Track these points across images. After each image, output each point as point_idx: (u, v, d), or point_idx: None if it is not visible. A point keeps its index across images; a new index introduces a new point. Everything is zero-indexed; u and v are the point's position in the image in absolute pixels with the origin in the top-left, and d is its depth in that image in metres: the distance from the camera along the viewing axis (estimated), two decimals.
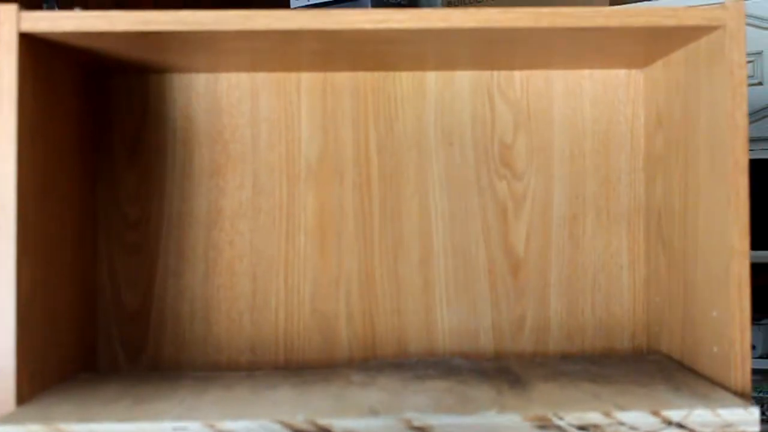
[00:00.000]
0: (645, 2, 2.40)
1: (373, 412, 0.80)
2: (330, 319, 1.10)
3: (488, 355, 1.11)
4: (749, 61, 1.97)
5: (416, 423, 0.79)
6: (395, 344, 1.10)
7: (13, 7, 0.85)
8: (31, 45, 0.88)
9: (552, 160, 1.12)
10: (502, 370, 0.99)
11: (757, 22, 2.08)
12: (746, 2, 2.17)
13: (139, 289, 1.10)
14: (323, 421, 0.78)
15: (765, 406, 1.54)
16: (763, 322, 1.88)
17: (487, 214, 1.11)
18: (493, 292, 1.11)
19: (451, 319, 1.11)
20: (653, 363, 1.01)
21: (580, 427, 0.79)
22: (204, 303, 1.10)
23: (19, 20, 0.85)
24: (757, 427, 0.81)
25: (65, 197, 0.99)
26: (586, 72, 1.13)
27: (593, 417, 0.79)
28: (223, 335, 1.10)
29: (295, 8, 3.31)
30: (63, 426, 0.78)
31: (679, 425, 0.80)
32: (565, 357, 1.09)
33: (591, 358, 1.07)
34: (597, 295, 1.11)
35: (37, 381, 0.90)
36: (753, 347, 1.36)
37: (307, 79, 1.11)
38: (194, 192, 1.10)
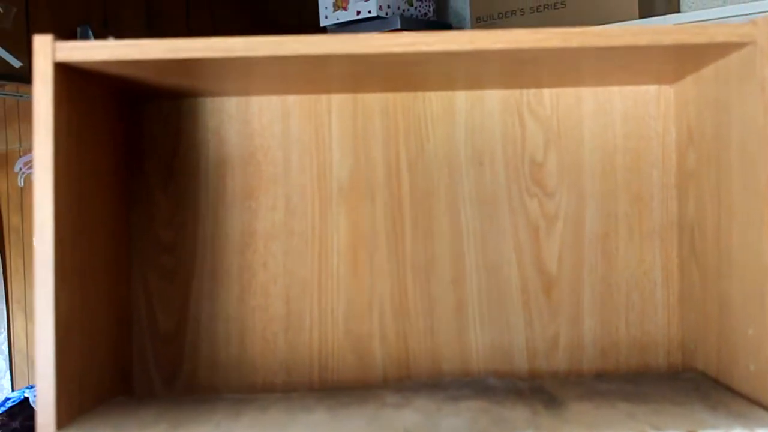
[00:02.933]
0: (673, 14, 2.40)
1: None
2: (364, 340, 1.11)
3: (522, 375, 1.11)
4: None
5: None
6: (429, 364, 1.10)
7: (48, 38, 0.86)
8: (65, 74, 0.89)
9: (583, 178, 1.12)
10: (537, 389, 0.99)
11: None
12: None
13: (173, 313, 1.11)
14: None
15: None
16: None
17: (518, 232, 1.11)
18: (526, 311, 1.11)
19: (485, 338, 1.11)
20: (689, 381, 1.01)
21: None
22: (239, 325, 1.11)
23: (54, 50, 0.87)
24: None
25: (101, 223, 1.01)
26: (616, 89, 1.13)
27: None
28: (257, 357, 1.11)
29: (324, 26, 3.33)
30: None
31: None
32: (600, 376, 1.08)
33: (626, 376, 1.06)
34: (631, 312, 1.11)
35: (76, 405, 0.91)
36: None
37: (338, 100, 1.12)
38: (227, 214, 1.11)
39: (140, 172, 1.11)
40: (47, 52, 0.87)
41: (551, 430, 0.80)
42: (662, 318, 1.11)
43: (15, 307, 3.94)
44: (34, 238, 0.87)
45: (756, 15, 0.89)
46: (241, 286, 1.11)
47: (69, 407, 0.89)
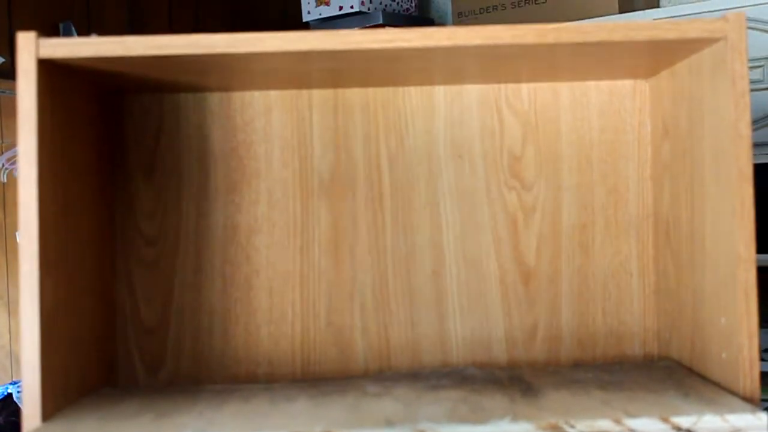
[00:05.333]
0: (652, 10, 2.42)
1: (389, 423, 0.82)
2: (345, 332, 1.12)
3: (501, 364, 1.13)
4: (757, 66, 1.98)
5: None
6: (410, 355, 1.12)
7: (32, 35, 0.87)
8: (49, 70, 0.90)
9: (560, 171, 1.14)
10: (515, 378, 1.01)
11: (764, 27, 2.09)
12: (753, 7, 2.18)
13: (157, 305, 1.12)
14: None
15: None
16: None
17: (497, 225, 1.13)
18: (505, 302, 1.13)
19: (464, 329, 1.13)
20: (663, 369, 1.03)
21: None
22: (221, 317, 1.12)
23: (38, 47, 0.88)
24: None
25: (84, 216, 1.02)
26: (593, 83, 1.15)
27: (604, 424, 0.81)
28: (240, 349, 1.12)
29: (307, 22, 3.33)
30: None
31: (689, 431, 0.81)
32: (577, 365, 1.10)
33: (602, 366, 1.08)
34: (607, 303, 1.13)
35: (61, 397, 0.92)
36: None
37: (319, 95, 1.14)
38: (210, 208, 1.12)
39: (123, 166, 1.13)
40: (31, 48, 0.88)
41: (527, 418, 0.82)
42: (638, 308, 1.13)
43: (11, 308, 3.93)
44: (18, 232, 0.88)
45: (733, 10, 0.92)
46: (223, 279, 1.12)
47: (54, 398, 0.90)
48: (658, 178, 1.12)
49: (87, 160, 1.03)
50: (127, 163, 1.13)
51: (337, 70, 1.03)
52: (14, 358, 3.88)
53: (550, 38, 0.90)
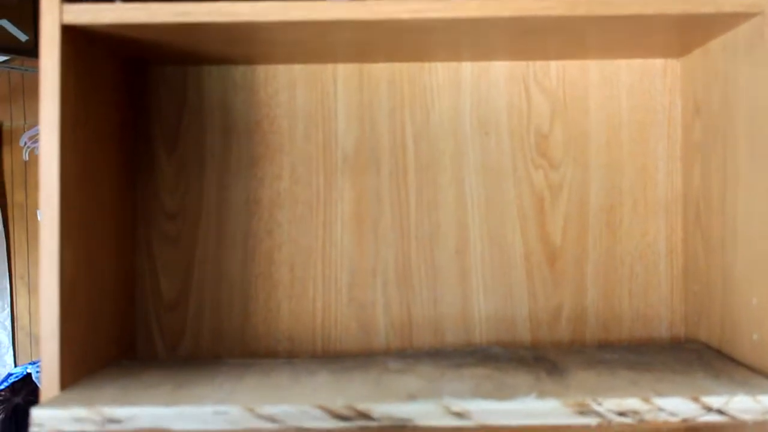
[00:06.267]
0: None
1: (412, 398, 0.81)
2: (367, 309, 1.11)
3: (525, 345, 1.11)
4: None
5: (454, 408, 0.79)
6: (432, 333, 1.11)
7: (55, 0, 0.86)
8: (73, 36, 0.89)
9: (589, 150, 1.12)
10: (540, 358, 0.99)
11: None
12: None
13: (177, 279, 1.11)
14: (362, 406, 0.79)
15: None
16: None
17: (523, 203, 1.11)
18: (530, 282, 1.11)
19: (488, 308, 1.11)
20: (692, 351, 1.01)
21: (620, 413, 0.79)
22: (242, 293, 1.11)
23: (61, 12, 0.87)
24: None
25: (106, 187, 1.01)
26: (623, 62, 1.13)
27: (633, 403, 0.79)
28: (261, 325, 1.11)
29: None
30: (106, 410, 0.80)
31: (720, 411, 0.79)
32: (603, 346, 1.09)
33: (629, 347, 1.07)
34: (634, 284, 1.11)
35: (80, 367, 0.91)
36: None
37: (344, 70, 1.12)
38: (232, 182, 1.11)
39: (146, 138, 1.11)
40: (54, 13, 0.87)
41: (555, 396, 0.81)
42: (666, 290, 1.11)
43: (18, 284, 3.95)
44: (39, 210, 0.87)
45: None
46: (245, 254, 1.11)
47: (73, 369, 0.89)
48: (688, 158, 1.10)
49: (109, 131, 1.02)
50: (150, 136, 1.12)
51: (363, 43, 1.02)
52: (34, 339, 3.90)
53: (581, 10, 0.88)
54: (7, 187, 3.90)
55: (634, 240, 1.11)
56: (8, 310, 3.90)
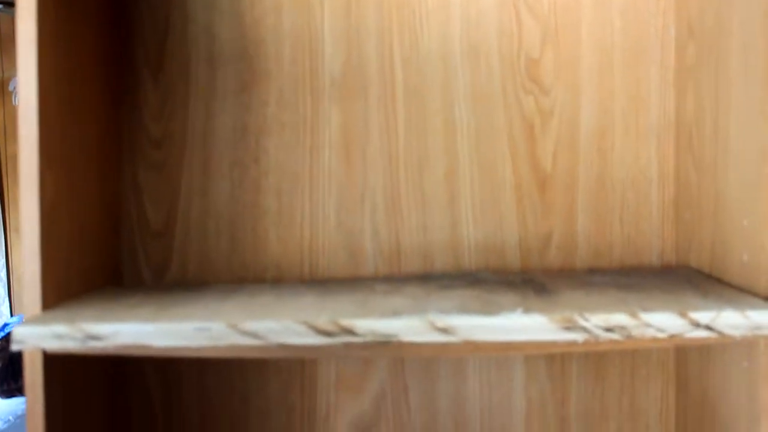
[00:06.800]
0: None
1: (396, 314, 0.80)
2: (355, 235, 1.10)
3: (515, 271, 1.10)
4: None
5: (439, 324, 0.78)
6: (421, 260, 1.09)
7: None
8: None
9: (580, 75, 1.10)
10: (529, 280, 0.98)
11: None
12: None
13: (163, 207, 1.10)
14: (346, 322, 0.78)
15: None
16: None
17: (513, 129, 1.10)
18: (520, 209, 1.10)
19: (477, 235, 1.10)
20: (682, 275, 1.00)
21: (607, 329, 0.78)
22: (229, 220, 1.10)
23: None
24: None
25: (89, 113, 0.99)
26: None
27: (620, 318, 0.78)
28: (248, 252, 1.10)
29: None
30: (87, 326, 0.79)
31: (708, 327, 0.79)
32: (593, 270, 1.07)
33: (619, 271, 1.06)
34: (625, 211, 1.10)
35: (63, 290, 0.90)
36: None
37: None
38: (218, 109, 1.09)
39: (130, 65, 1.09)
40: None
41: (540, 311, 0.80)
42: (657, 217, 1.10)
43: (13, 236, 3.93)
44: (18, 122, 0.85)
45: None
46: (231, 181, 1.10)
47: (55, 291, 0.88)
48: (681, 83, 1.08)
49: (92, 56, 1.00)
50: (134, 63, 1.10)
51: None
52: None
53: None
54: (0, 139, 3.88)
55: (626, 167, 1.10)
56: (3, 261, 3.89)
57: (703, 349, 0.99)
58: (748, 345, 0.85)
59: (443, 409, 1.11)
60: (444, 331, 0.78)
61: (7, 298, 3.92)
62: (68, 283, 0.92)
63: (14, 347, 0.80)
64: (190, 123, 1.10)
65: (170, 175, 1.10)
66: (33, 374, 0.84)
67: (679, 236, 1.09)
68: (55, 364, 0.85)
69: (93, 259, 1.00)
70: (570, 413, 1.11)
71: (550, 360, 1.10)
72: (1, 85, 3.81)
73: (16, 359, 3.16)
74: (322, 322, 0.78)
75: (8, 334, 3.36)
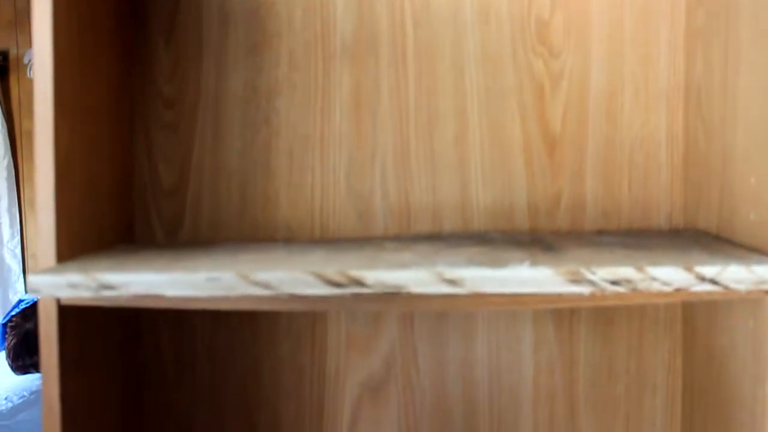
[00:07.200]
0: None
1: (404, 266, 0.81)
2: (365, 196, 1.10)
3: (523, 233, 1.10)
4: None
5: (448, 275, 0.79)
6: (430, 221, 1.10)
7: None
8: None
9: (590, 37, 1.10)
10: (537, 240, 0.99)
11: None
12: None
13: (175, 167, 1.11)
14: (355, 273, 0.79)
15: None
16: None
17: (523, 91, 1.10)
18: (529, 170, 1.10)
19: (486, 196, 1.10)
20: (690, 237, 1.00)
21: (613, 282, 0.79)
22: (240, 181, 1.11)
23: None
24: None
25: (102, 72, 1.00)
26: None
27: (626, 272, 0.79)
28: (259, 213, 1.11)
29: None
30: (100, 276, 0.80)
31: (713, 281, 0.79)
32: (602, 231, 1.08)
33: (627, 232, 1.06)
34: (634, 173, 1.10)
35: (77, 245, 0.91)
36: None
37: None
38: (230, 70, 1.10)
39: (143, 26, 1.10)
40: None
41: (545, 264, 0.80)
42: (665, 179, 1.10)
43: (28, 211, 3.96)
44: (33, 76, 0.86)
45: None
46: (243, 142, 1.11)
47: (69, 244, 0.89)
48: (690, 45, 1.08)
49: (106, 16, 1.01)
50: (147, 24, 1.10)
51: None
52: None
53: None
54: (15, 115, 3.90)
55: (635, 128, 1.10)
56: (18, 237, 3.92)
57: (710, 309, 0.99)
58: (753, 303, 0.86)
59: (452, 370, 1.12)
60: (452, 282, 0.79)
61: (22, 274, 3.95)
62: (82, 239, 0.93)
63: (29, 296, 0.81)
64: (203, 83, 1.11)
65: (182, 135, 1.11)
66: (48, 327, 0.85)
67: (687, 198, 1.09)
68: (70, 316, 0.86)
69: (106, 216, 1.01)
70: (578, 375, 1.11)
71: (559, 322, 1.11)
72: (17, 62, 3.83)
73: (31, 336, 3.19)
74: (332, 272, 0.79)
75: (23, 311, 3.39)
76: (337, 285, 0.79)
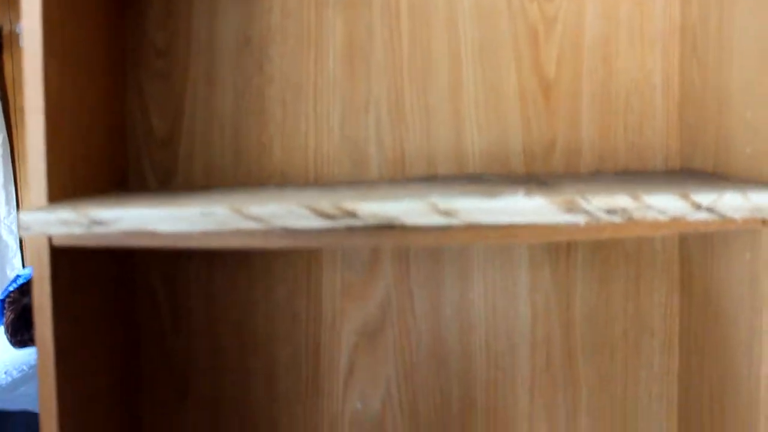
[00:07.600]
0: None
1: (398, 198, 0.80)
2: (359, 144, 1.10)
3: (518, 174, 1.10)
4: None
5: (442, 206, 0.78)
6: (425, 167, 1.10)
7: None
8: None
9: None
10: (532, 178, 0.98)
11: None
12: None
13: (168, 116, 1.10)
14: (348, 205, 0.78)
15: None
16: None
17: (517, 37, 1.09)
18: (524, 116, 1.10)
19: (482, 142, 1.10)
20: (686, 174, 1.00)
21: (608, 211, 0.78)
22: (233, 129, 1.10)
23: None
24: None
25: (92, 18, 0.99)
26: None
27: (621, 201, 0.78)
28: (253, 161, 1.10)
29: None
30: (92, 212, 0.79)
31: (709, 209, 0.79)
32: (598, 172, 1.08)
33: (623, 172, 1.06)
34: (630, 117, 1.10)
35: (69, 188, 0.91)
36: None
37: None
38: (222, 18, 1.09)
39: None
40: None
41: (540, 194, 0.80)
42: (661, 123, 1.10)
43: (23, 190, 3.96)
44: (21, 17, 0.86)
45: None
46: (236, 90, 1.10)
47: (61, 187, 0.88)
48: None
49: None
50: None
51: None
52: None
53: None
54: (9, 91, 3.89)
55: (630, 73, 1.09)
56: (15, 214, 3.92)
57: (706, 246, 0.99)
58: (750, 235, 0.85)
59: (448, 314, 1.11)
60: (446, 213, 0.78)
61: (18, 251, 3.94)
62: (74, 183, 0.92)
63: (21, 233, 0.80)
64: (194, 31, 1.10)
65: (175, 84, 1.10)
66: (40, 268, 0.85)
67: (683, 141, 1.09)
68: (62, 257, 0.86)
69: (98, 164, 1.00)
70: (575, 317, 1.11)
71: (555, 264, 1.11)
72: (10, 38, 3.82)
73: (29, 310, 3.19)
74: (325, 205, 0.78)
75: (20, 286, 3.40)
76: (330, 217, 0.78)
